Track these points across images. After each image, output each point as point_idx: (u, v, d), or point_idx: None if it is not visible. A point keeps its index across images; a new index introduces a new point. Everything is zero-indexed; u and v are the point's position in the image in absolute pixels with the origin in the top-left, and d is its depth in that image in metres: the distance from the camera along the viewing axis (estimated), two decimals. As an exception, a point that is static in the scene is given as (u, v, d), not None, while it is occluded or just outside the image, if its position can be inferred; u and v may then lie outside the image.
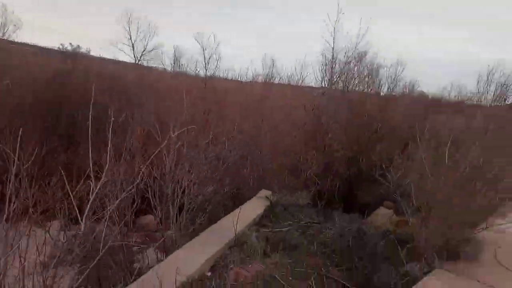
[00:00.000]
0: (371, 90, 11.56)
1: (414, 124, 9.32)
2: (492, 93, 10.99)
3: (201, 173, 6.35)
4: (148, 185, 5.89)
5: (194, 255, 4.80)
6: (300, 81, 12.01)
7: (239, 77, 14.88)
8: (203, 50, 13.10)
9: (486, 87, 10.86)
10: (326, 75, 11.82)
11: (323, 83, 11.67)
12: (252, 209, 6.96)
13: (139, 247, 6.84)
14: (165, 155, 6.00)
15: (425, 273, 4.82)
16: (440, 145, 5.90)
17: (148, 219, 8.27)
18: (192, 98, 11.54)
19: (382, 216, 8.86)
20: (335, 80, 11.93)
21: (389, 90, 11.60)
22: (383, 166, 6.79)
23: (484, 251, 5.68)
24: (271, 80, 12.24)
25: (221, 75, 13.32)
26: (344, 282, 4.78)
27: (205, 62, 13.17)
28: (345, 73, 11.89)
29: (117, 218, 5.57)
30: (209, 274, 4.65)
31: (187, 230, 6.45)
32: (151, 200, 6.06)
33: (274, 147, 9.27)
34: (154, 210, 6.07)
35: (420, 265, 4.81)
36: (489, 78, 10.79)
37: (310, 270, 5.11)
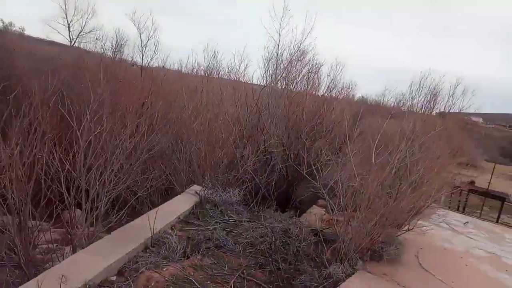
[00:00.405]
0: (311, 89, 11.52)
1: (350, 125, 9.43)
2: (423, 99, 11.41)
3: (120, 165, 5.74)
4: (57, 175, 5.19)
5: (99, 257, 4.23)
6: (242, 75, 11.61)
7: (180, 67, 14.18)
8: (140, 34, 12.22)
9: (418, 92, 11.24)
10: (269, 71, 11.59)
11: (265, 79, 11.41)
12: (178, 205, 6.48)
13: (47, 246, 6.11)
14: (78, 143, 5.33)
15: (348, 275, 4.70)
16: (370, 146, 5.88)
17: (75, 213, 7.32)
18: (126, 86, 10.80)
19: (315, 214, 8.82)
20: (277, 77, 11.75)
21: (329, 90, 11.57)
22: (317, 164, 6.65)
23: (406, 252, 5.74)
24: (212, 72, 11.72)
25: (160, 64, 12.52)
26: (264, 286, 4.50)
27: (142, 47, 12.29)
28: (287, 71, 11.76)
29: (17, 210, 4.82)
30: (113, 278, 4.11)
31: (103, 228, 5.84)
32: (64, 194, 5.35)
33: (210, 141, 8.83)
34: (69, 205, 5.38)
35: (343, 267, 4.67)
36: (421, 83, 11.18)
37: (232, 272, 4.78)
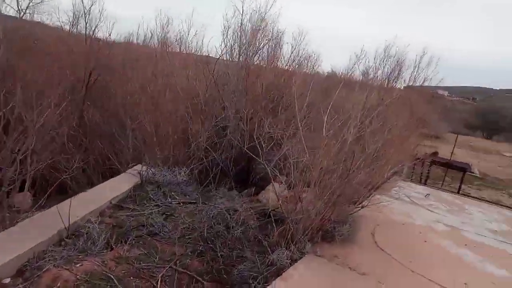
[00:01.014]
0: (272, 61, 10.77)
1: (313, 99, 8.83)
2: (388, 70, 10.94)
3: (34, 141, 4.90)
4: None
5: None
6: (200, 47, 10.64)
7: (131, 38, 13.00)
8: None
9: (384, 61, 10.74)
10: (228, 41, 10.69)
11: (225, 51, 10.52)
12: (113, 188, 5.74)
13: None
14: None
15: (295, 260, 4.18)
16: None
17: (22, 197, 6.30)
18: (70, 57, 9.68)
19: (273, 192, 8.30)
20: (237, 47, 10.91)
21: (291, 61, 10.85)
22: (260, 138, 6.03)
23: (362, 230, 5.31)
24: (165, 43, 10.67)
25: (106, 34, 11.28)
26: (198, 278, 3.91)
27: (85, 12, 11.01)
28: (248, 41, 10.92)
29: None
30: (7, 281, 3.38)
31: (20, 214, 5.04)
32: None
33: (158, 116, 8.01)
34: None
35: (289, 252, 4.14)
36: (386, 52, 10.68)
37: (164, 263, 4.15)
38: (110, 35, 11.11)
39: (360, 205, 5.24)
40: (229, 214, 5.02)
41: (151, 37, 12.16)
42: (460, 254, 5.20)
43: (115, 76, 9.52)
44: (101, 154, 7.81)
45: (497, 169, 18.76)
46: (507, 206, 9.52)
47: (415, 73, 11.43)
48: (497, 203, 9.93)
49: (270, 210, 5.60)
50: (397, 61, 11.32)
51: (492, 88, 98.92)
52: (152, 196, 5.84)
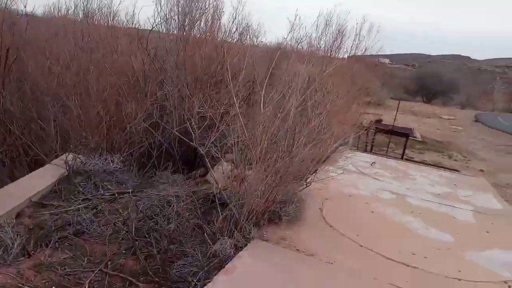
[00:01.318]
0: (211, 32, 10.13)
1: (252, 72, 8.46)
2: (330, 39, 10.69)
3: None
4: None
5: None
6: (131, 18, 9.67)
7: (52, 10, 11.58)
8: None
9: (325, 30, 10.47)
10: (162, 11, 9.84)
11: (159, 22, 9.67)
12: (33, 183, 5.06)
13: None
14: None
15: (240, 248, 3.90)
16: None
17: None
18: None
19: (223, 172, 7.95)
20: (176, 18, 10.11)
21: (233, 34, 10.25)
22: (191, 119, 5.60)
23: (310, 208, 5.14)
24: (90, 14, 9.59)
25: (21, 5, 9.90)
26: (132, 280, 3.50)
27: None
28: (184, 11, 10.14)
29: None
30: None
31: None
32: None
33: (87, 98, 7.21)
34: None
35: (232, 240, 3.84)
36: (327, 22, 10.39)
37: (93, 266, 3.69)
38: (25, 6, 9.76)
39: (306, 182, 5.05)
40: (167, 202, 4.60)
41: (74, 8, 10.91)
42: (405, 222, 5.24)
43: (34, 54, 8.42)
44: (23, 145, 6.93)
45: (436, 132, 19.85)
46: (447, 168, 9.99)
47: (356, 42, 11.33)
48: (438, 165, 10.39)
49: (214, 193, 5.24)
50: (339, 30, 11.14)
51: (429, 54, 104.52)
52: (81, 189, 5.24)
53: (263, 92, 4.32)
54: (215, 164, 8.10)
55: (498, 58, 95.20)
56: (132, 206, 4.69)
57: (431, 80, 51.52)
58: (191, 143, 5.12)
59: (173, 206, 4.42)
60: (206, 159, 5.05)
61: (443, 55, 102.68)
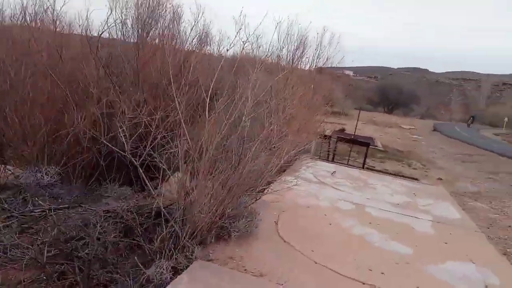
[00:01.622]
0: (168, 40, 9.70)
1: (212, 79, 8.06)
2: (292, 48, 10.57)
3: None
4: None
5: None
6: (83, 22, 9.05)
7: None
8: None
9: (287, 39, 10.33)
10: (116, 14, 9.29)
11: (112, 27, 9.11)
12: None
13: None
14: None
15: (181, 271, 3.47)
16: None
17: None
18: None
19: (176, 183, 7.47)
20: (130, 23, 9.59)
21: (190, 41, 9.86)
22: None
23: (265, 221, 4.78)
24: (40, 20, 8.89)
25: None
26: (47, 314, 2.98)
27: None
28: (141, 17, 9.66)
29: None
30: None
31: None
32: None
33: (22, 104, 6.53)
34: None
35: (170, 262, 3.40)
36: (289, 30, 10.26)
37: (3, 298, 3.12)
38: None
39: (260, 194, 4.70)
40: (104, 218, 4.09)
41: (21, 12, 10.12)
42: (364, 234, 4.99)
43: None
44: None
45: (397, 141, 20.23)
46: (407, 177, 10.00)
47: (318, 52, 11.28)
48: (398, 174, 10.39)
49: (161, 206, 4.76)
50: (301, 40, 11.04)
51: (391, 67, 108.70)
52: (6, 206, 4.62)
53: (208, 99, 3.96)
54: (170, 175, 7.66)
55: (455, 71, 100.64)
56: (52, 224, 4.12)
57: (392, 91, 53.47)
58: (122, 153, 4.64)
59: (101, 224, 3.91)
60: (141, 170, 4.57)
61: (404, 67, 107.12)
